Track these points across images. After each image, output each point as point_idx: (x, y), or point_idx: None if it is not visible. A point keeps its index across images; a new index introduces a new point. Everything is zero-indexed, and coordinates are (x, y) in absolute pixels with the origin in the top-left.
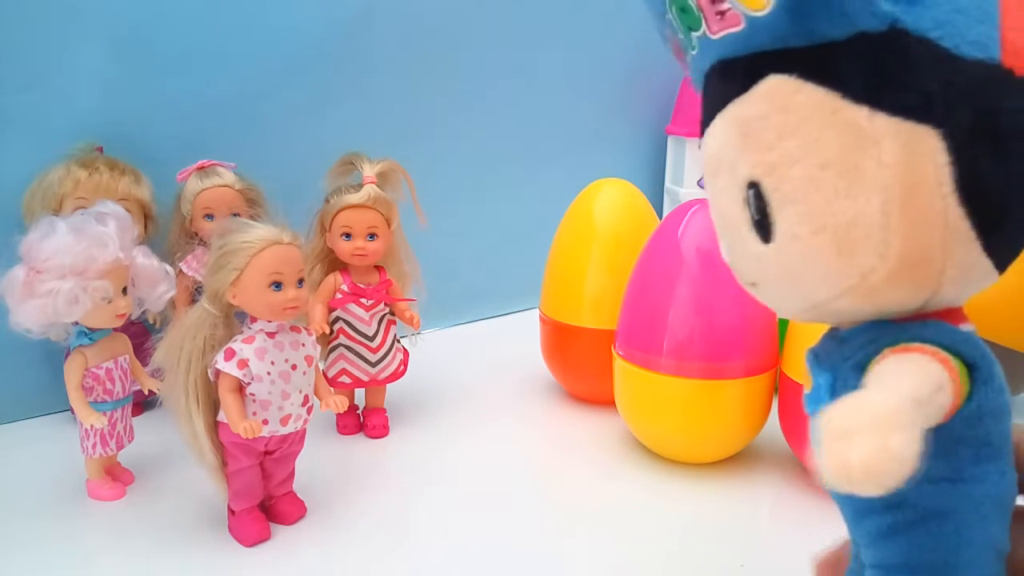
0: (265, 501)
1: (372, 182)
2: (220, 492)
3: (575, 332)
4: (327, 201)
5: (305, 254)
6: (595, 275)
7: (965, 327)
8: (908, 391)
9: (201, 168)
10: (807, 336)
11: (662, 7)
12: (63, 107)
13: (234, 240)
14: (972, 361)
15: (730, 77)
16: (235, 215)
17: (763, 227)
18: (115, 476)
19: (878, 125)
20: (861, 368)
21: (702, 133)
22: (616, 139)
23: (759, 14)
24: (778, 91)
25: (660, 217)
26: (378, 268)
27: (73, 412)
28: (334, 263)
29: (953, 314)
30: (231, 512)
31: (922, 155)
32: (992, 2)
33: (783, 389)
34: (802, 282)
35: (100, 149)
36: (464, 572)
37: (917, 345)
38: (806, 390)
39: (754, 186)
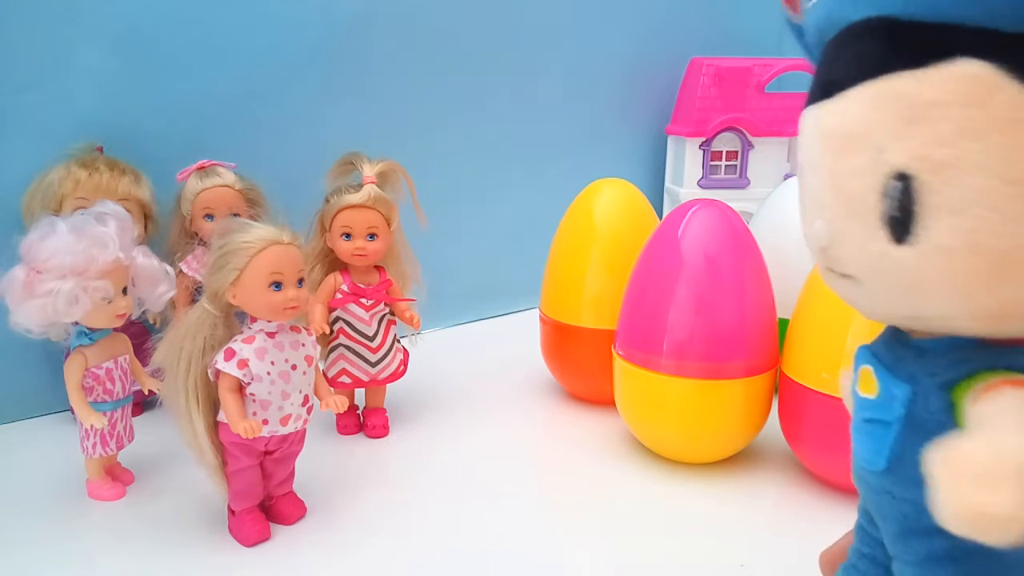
0: (265, 501)
1: (372, 182)
2: (220, 492)
3: (575, 332)
4: (327, 201)
5: (305, 254)
6: (595, 275)
7: None
8: None
9: (201, 168)
10: (807, 337)
11: None
12: (63, 107)
13: (234, 240)
14: None
15: (899, 42)
16: (235, 215)
17: (901, 225)
18: (115, 476)
19: None
20: (947, 388)
21: (823, 93)
22: (616, 139)
23: None
24: (973, 81)
25: (660, 217)
26: (378, 268)
27: (73, 412)
28: (334, 263)
29: None
30: (231, 512)
31: None
32: None
33: (783, 389)
34: (927, 294)
35: (100, 149)
36: (464, 572)
37: None
38: (867, 394)
39: (905, 179)
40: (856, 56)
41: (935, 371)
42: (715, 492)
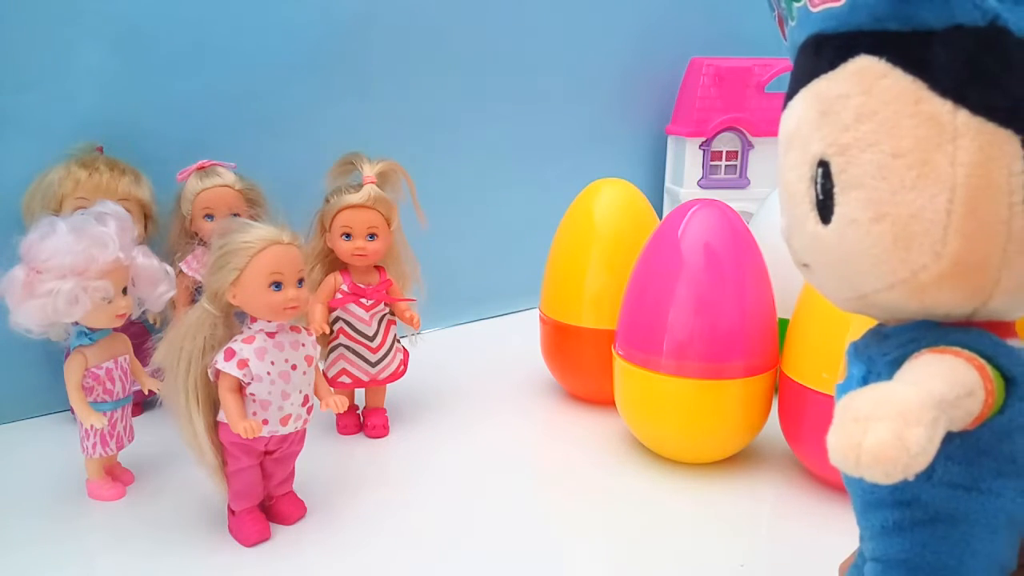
0: (265, 501)
1: (372, 182)
2: (220, 492)
3: (575, 332)
4: (327, 201)
5: (305, 254)
6: (595, 275)
7: (1013, 342)
8: (936, 390)
9: (201, 168)
10: (807, 337)
11: None
12: (63, 107)
13: (234, 240)
14: (1011, 375)
15: (821, 52)
16: (235, 215)
17: (825, 208)
18: (115, 476)
19: (959, 122)
20: (896, 364)
21: (783, 105)
22: (616, 139)
23: None
24: (865, 72)
25: (660, 217)
26: (378, 268)
27: (73, 412)
28: (334, 263)
29: (1002, 327)
30: (231, 512)
31: (998, 160)
32: None
33: (783, 389)
34: (853, 269)
35: (100, 149)
36: (464, 572)
37: (955, 348)
38: (839, 380)
39: (823, 165)
40: (798, 70)
41: (888, 351)
42: (715, 492)
